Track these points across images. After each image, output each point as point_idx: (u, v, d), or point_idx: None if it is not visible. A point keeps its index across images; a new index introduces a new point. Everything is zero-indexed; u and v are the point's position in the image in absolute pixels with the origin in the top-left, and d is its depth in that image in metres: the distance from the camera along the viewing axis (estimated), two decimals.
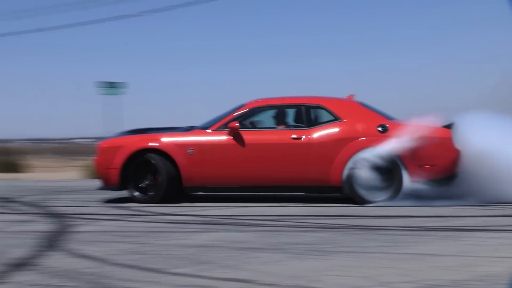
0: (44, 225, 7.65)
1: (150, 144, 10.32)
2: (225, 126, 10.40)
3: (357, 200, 10.11)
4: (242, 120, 10.46)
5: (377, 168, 10.10)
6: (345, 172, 10.12)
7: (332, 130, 10.34)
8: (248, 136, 10.34)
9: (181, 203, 10.24)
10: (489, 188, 10.06)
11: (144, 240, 6.51)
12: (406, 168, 9.99)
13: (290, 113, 10.74)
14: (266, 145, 10.33)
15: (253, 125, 10.52)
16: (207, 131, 10.42)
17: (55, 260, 5.46)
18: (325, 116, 10.61)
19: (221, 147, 10.30)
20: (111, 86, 24.80)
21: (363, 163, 10.11)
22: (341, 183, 10.15)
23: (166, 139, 10.35)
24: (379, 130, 10.27)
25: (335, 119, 10.45)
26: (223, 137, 10.33)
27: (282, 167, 10.23)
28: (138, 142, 10.37)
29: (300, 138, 10.30)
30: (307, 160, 10.28)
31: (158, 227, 7.49)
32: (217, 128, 10.40)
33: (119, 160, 10.32)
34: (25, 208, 9.70)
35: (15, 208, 9.75)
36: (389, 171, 10.06)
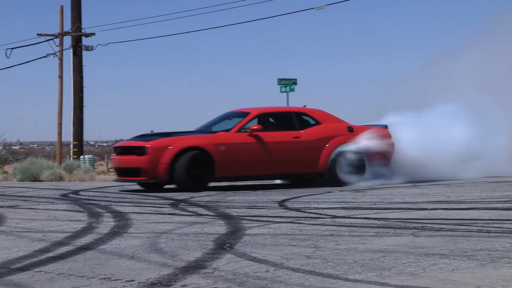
0: (216, 227, 7.82)
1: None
2: (242, 129, 14.24)
3: (337, 183, 14.52)
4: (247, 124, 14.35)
5: (352, 159, 14.68)
6: (329, 161, 14.61)
7: (317, 131, 14.72)
8: (264, 136, 14.25)
9: (352, 207, 10.15)
10: (416, 170, 15.37)
11: (317, 244, 6.46)
12: (369, 159, 14.85)
13: (285, 119, 14.87)
14: (277, 143, 14.31)
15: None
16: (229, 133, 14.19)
17: (226, 263, 5.52)
18: (308, 120, 14.91)
19: (244, 145, 14.11)
20: (288, 83, 25.07)
21: (343, 155, 14.65)
22: (326, 170, 14.61)
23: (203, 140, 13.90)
24: (349, 130, 15.03)
25: (317, 123, 14.89)
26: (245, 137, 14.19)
27: (287, 159, 14.34)
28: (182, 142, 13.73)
29: (299, 137, 14.53)
30: (303, 153, 14.46)
31: (332, 231, 7.42)
32: (236, 131, 14.21)
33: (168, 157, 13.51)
34: (198, 210, 9.97)
35: (188, 210, 10.04)
36: (359, 160, 14.76)
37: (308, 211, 9.58)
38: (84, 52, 26.81)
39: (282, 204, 10.65)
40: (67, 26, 26.86)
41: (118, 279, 4.94)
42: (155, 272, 5.15)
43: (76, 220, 8.81)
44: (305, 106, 15.60)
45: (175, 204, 10.97)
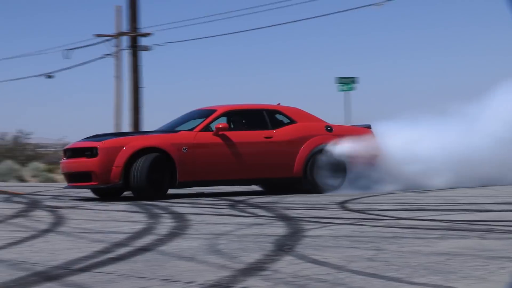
0: (275, 229, 7.81)
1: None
2: (207, 128, 12.90)
3: (314, 188, 13.19)
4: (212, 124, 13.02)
5: (331, 161, 13.25)
6: (305, 164, 13.20)
7: (292, 130, 13.33)
8: (232, 136, 12.89)
9: (415, 209, 10.04)
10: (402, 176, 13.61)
11: (380, 246, 6.40)
12: (350, 162, 13.28)
13: (255, 117, 13.44)
14: (246, 144, 12.94)
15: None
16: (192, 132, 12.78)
17: (285, 265, 5.51)
18: (281, 119, 13.57)
19: (209, 145, 12.75)
20: (347, 81, 24.93)
21: (320, 157, 13.23)
22: (302, 174, 13.21)
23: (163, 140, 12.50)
24: (327, 130, 13.61)
25: (291, 121, 13.50)
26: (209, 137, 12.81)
27: (258, 161, 13.00)
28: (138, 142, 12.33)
29: (271, 137, 13.15)
30: (276, 155, 13.10)
31: (394, 232, 7.35)
32: (200, 130, 12.82)
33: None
34: (256, 211, 9.98)
35: (246, 211, 10.06)
36: (339, 164, 13.30)
37: (369, 212, 9.51)
38: (142, 53, 27.08)
39: (342, 205, 10.59)
40: (125, 27, 27.17)
41: (178, 281, 4.96)
42: (215, 274, 5.17)
43: (135, 221, 8.90)
44: (279, 104, 14.04)
45: (233, 205, 11.00)
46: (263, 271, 5.25)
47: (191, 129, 12.92)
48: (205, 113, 13.52)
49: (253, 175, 13.10)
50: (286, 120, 13.59)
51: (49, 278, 5.18)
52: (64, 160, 12.99)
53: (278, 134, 13.27)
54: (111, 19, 28.37)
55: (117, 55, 27.88)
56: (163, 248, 6.53)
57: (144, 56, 27.04)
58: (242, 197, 12.47)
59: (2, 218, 9.51)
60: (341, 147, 13.35)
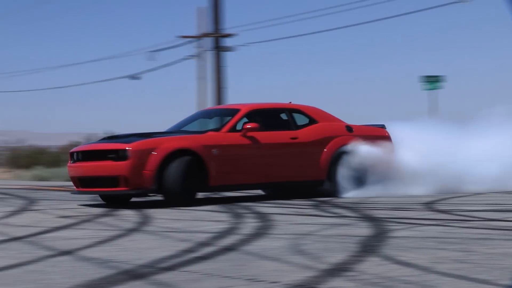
0: (360, 229, 7.75)
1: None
2: (233, 128, 11.95)
3: (336, 191, 12.43)
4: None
5: (355, 164, 12.54)
6: (329, 166, 12.48)
7: (315, 130, 12.56)
8: (259, 137, 11.98)
9: (506, 210, 9.82)
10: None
11: (468, 248, 6.27)
12: (372, 164, 12.54)
13: (278, 116, 12.69)
14: (273, 145, 12.11)
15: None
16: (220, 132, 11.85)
17: (371, 266, 5.46)
18: (302, 118, 12.78)
19: (238, 147, 11.81)
20: (433, 80, 24.56)
21: (344, 159, 12.54)
22: (325, 176, 12.46)
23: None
24: (348, 130, 12.92)
25: (312, 121, 12.71)
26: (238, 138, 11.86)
27: (285, 163, 12.18)
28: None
29: (296, 138, 12.34)
30: (301, 157, 12.32)
31: (483, 234, 7.19)
32: (228, 130, 11.88)
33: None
34: (341, 211, 9.93)
35: (331, 211, 10.02)
36: (362, 166, 12.56)
37: (457, 213, 9.34)
38: (225, 53, 27.28)
39: (429, 206, 10.44)
40: (208, 28, 27.41)
41: (263, 280, 4.97)
42: (299, 274, 5.16)
43: (219, 221, 8.97)
44: (290, 102, 13.14)
45: (317, 205, 10.97)
46: (348, 272, 5.22)
47: (218, 129, 12.04)
48: (227, 112, 12.82)
49: (278, 179, 12.25)
50: (306, 120, 12.86)
51: (136, 276, 5.26)
52: (74, 163, 11.82)
53: (302, 134, 12.49)
54: (194, 20, 28.66)
55: (200, 56, 28.18)
56: (247, 247, 6.56)
57: (227, 56, 27.23)
58: (323, 198, 12.41)
59: (89, 217, 9.73)
60: (365, 149, 12.75)
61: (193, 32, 28.34)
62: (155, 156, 11.02)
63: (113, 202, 11.99)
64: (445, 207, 10.14)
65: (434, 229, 7.75)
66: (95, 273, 5.41)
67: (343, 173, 12.53)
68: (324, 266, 5.46)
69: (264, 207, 10.70)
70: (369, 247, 6.40)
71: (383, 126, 13.47)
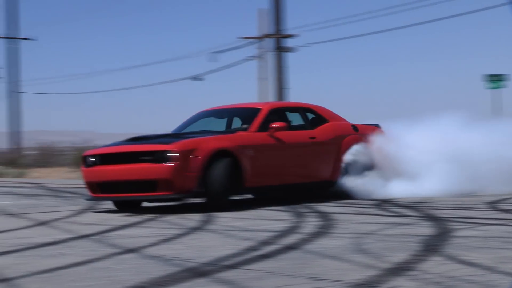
0: (422, 228, 7.67)
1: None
2: (261, 128, 11.34)
3: (348, 192, 11.94)
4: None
5: (365, 163, 12.27)
6: (343, 166, 12.07)
7: (328, 130, 12.12)
8: (283, 136, 11.46)
9: None
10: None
11: None
12: (378, 164, 12.38)
13: (294, 115, 12.27)
14: (296, 145, 11.66)
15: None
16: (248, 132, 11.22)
17: (433, 265, 5.41)
18: (315, 118, 12.34)
19: (267, 147, 11.26)
20: (497, 79, 24.18)
21: (356, 159, 12.17)
22: (337, 177, 12.00)
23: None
24: (354, 129, 12.57)
25: (323, 120, 12.30)
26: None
27: (305, 164, 11.75)
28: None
29: (314, 138, 11.88)
30: (319, 157, 11.90)
31: None
32: (256, 130, 11.28)
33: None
34: (402, 211, 9.85)
35: (393, 211, 9.95)
36: (371, 166, 12.35)
37: None
38: (286, 54, 27.29)
39: (492, 205, 10.28)
40: (269, 29, 27.46)
41: (324, 279, 4.97)
42: (360, 273, 5.14)
43: (281, 220, 8.99)
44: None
45: (379, 204, 10.91)
46: (410, 271, 5.18)
47: (245, 129, 11.39)
48: (246, 111, 12.17)
49: (299, 180, 11.86)
50: (317, 119, 12.38)
51: (200, 274, 5.32)
52: (92, 167, 10.82)
53: (318, 134, 12.02)
54: (255, 22, 28.75)
55: (261, 57, 28.25)
56: (309, 246, 6.57)
57: (288, 57, 27.23)
58: (385, 197, 12.32)
59: (154, 216, 9.84)
60: (373, 148, 12.52)
61: (254, 33, 28.43)
62: (199, 158, 10.24)
63: (125, 207, 11.12)
64: (509, 207, 9.98)
65: (497, 229, 7.64)
66: (160, 270, 5.49)
67: (355, 173, 12.18)
68: (386, 265, 5.43)
69: (325, 207, 10.67)
70: (431, 246, 6.34)
71: (377, 125, 13.20)
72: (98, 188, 10.72)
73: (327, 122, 12.33)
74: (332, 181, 12.04)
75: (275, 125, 11.33)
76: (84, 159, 11.03)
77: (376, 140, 12.61)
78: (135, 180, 10.32)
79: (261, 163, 11.06)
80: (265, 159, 11.17)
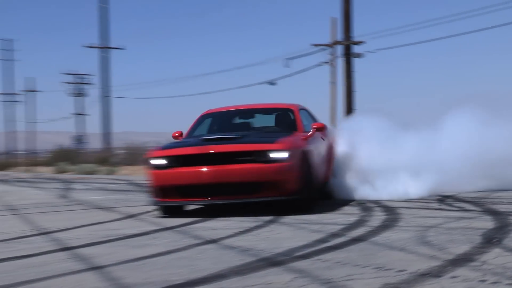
0: (483, 222, 7.52)
1: None
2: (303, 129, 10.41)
3: (335, 194, 11.20)
4: None
5: (349, 165, 11.49)
6: (334, 167, 11.35)
7: (323, 131, 10.83)
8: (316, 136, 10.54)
9: None
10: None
11: None
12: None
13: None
14: (323, 145, 10.81)
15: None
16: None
17: (494, 257, 5.30)
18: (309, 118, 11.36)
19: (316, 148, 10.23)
20: None
21: (344, 161, 11.46)
22: (329, 178, 11.15)
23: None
24: (329, 131, 11.66)
25: (315, 121, 11.35)
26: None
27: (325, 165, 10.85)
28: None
29: (323, 138, 10.94)
30: (327, 157, 11.03)
31: None
32: (303, 131, 10.31)
33: None
34: (464, 206, 9.68)
35: (455, 205, 9.78)
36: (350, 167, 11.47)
37: None
38: (355, 59, 27.14)
39: None
40: (339, 37, 27.35)
41: (390, 269, 4.93)
42: (425, 264, 5.08)
43: (349, 214, 8.93)
44: None
45: (442, 199, 10.73)
46: (472, 262, 5.09)
47: (294, 130, 10.31)
48: (272, 111, 11.31)
49: (325, 180, 11.01)
50: (312, 120, 11.44)
51: (274, 263, 5.33)
52: (169, 169, 9.13)
53: (322, 135, 10.94)
54: (324, 29, 28.69)
55: (332, 62, 28.15)
56: (375, 238, 6.51)
57: (356, 62, 27.08)
58: (447, 193, 12.12)
59: (234, 209, 9.89)
60: (354, 149, 11.68)
61: (326, 41, 28.37)
62: (299, 158, 9.20)
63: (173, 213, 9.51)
64: None
65: None
66: (237, 260, 5.52)
67: (342, 175, 11.49)
68: (448, 257, 5.35)
69: (391, 202, 10.55)
70: (492, 239, 6.21)
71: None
72: (175, 192, 9.08)
73: (317, 122, 11.17)
74: (325, 182, 11.07)
75: (315, 125, 10.56)
76: (152, 161, 9.26)
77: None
78: (236, 182, 8.89)
79: (318, 164, 10.14)
80: (319, 160, 10.27)
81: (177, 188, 9.05)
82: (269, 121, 11.19)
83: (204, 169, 8.94)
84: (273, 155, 8.93)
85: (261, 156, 8.92)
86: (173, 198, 9.12)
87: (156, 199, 9.25)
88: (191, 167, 9.00)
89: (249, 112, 11.37)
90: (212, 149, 9.07)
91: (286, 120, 10.81)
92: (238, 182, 8.88)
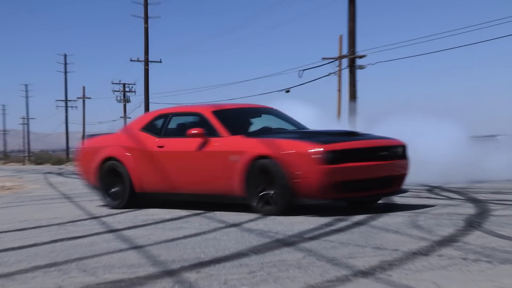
0: (466, 209, 7.47)
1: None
2: None
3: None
4: None
5: None
6: None
7: None
8: None
9: None
10: None
11: None
12: None
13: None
14: None
15: None
16: None
17: (475, 238, 5.27)
18: None
19: None
20: None
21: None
22: None
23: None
24: None
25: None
26: None
27: None
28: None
29: None
30: None
31: None
32: None
33: None
34: (450, 194, 9.61)
35: (442, 195, 9.72)
36: None
37: None
38: (358, 71, 27.08)
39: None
40: (344, 51, 27.30)
41: (386, 248, 4.92)
42: (415, 244, 5.06)
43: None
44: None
45: (430, 189, 10.66)
46: (456, 243, 5.07)
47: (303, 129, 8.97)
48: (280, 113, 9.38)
49: None
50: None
51: (287, 244, 5.33)
52: (333, 164, 7.21)
53: None
54: (333, 45, 28.69)
55: (338, 73, 28.14)
56: (374, 223, 6.49)
57: (359, 73, 26.96)
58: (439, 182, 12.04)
59: None
60: None
61: (334, 54, 28.48)
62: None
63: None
64: None
65: None
66: (256, 240, 5.53)
67: None
68: (436, 238, 5.33)
69: None
70: (473, 223, 6.17)
71: None
72: (340, 188, 7.32)
73: None
74: None
75: None
76: (325, 155, 7.22)
77: None
78: (385, 176, 7.65)
79: None
80: None
81: (341, 184, 7.31)
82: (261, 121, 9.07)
83: (362, 164, 7.46)
84: (401, 150, 7.90)
85: (393, 152, 7.81)
86: (336, 195, 7.35)
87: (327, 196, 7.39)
88: (352, 163, 7.40)
89: (250, 112, 9.21)
90: (366, 144, 7.65)
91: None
92: (387, 177, 7.66)
